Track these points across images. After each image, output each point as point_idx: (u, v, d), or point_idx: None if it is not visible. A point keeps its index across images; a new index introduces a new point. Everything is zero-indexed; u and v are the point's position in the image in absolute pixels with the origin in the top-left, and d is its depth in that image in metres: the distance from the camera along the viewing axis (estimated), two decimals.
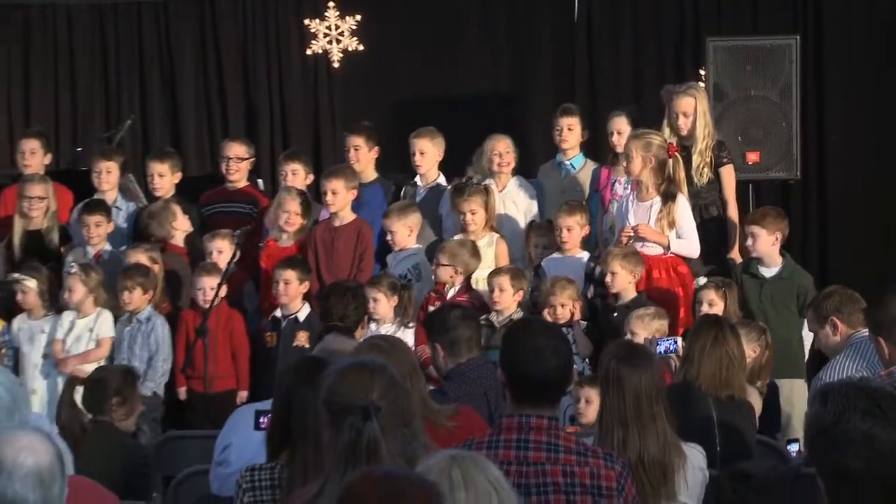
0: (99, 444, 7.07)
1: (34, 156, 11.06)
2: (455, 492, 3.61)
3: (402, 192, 10.78)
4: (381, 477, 3.15)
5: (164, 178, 10.84)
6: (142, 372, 9.43)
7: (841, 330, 7.77)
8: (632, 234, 9.41)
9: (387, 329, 9.21)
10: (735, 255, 9.93)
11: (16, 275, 9.86)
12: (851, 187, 12.48)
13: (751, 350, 7.97)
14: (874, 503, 3.58)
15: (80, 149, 12.60)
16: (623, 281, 9.16)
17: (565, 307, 9.16)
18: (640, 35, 12.98)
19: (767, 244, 9.41)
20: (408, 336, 9.16)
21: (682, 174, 9.62)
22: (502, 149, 10.53)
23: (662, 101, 10.40)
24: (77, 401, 7.44)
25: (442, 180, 10.70)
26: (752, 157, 10.90)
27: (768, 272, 9.46)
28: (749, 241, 9.43)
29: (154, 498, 7.35)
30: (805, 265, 10.12)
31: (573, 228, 9.83)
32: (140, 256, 9.93)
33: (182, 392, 9.74)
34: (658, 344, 8.15)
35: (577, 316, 9.21)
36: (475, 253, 9.65)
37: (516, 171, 10.68)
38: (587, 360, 8.95)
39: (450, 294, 9.50)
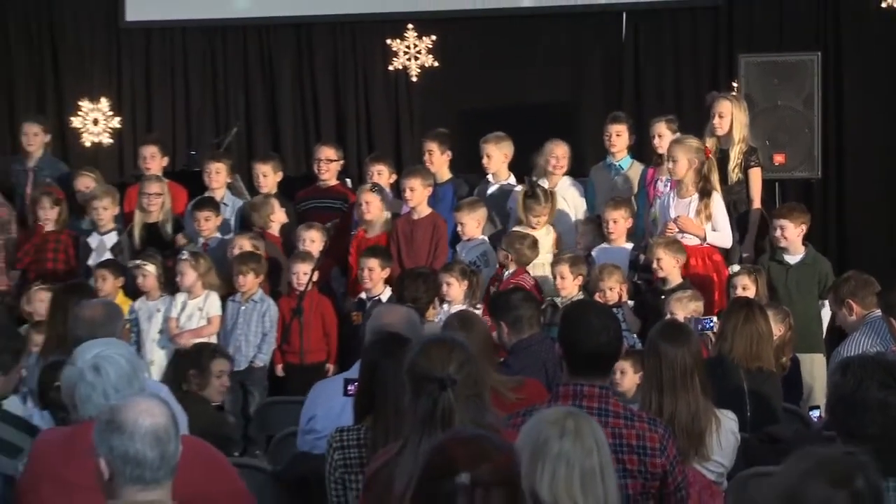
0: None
1: (153, 159, 11.14)
2: (563, 438, 3.62)
3: (476, 190, 10.74)
4: (469, 438, 3.12)
5: (268, 177, 10.88)
6: (256, 346, 9.63)
7: (856, 311, 7.76)
8: (675, 229, 9.39)
9: (457, 310, 9.20)
10: (748, 248, 9.86)
11: (137, 261, 9.92)
12: (866, 185, 12.41)
13: (776, 329, 7.94)
14: (888, 463, 3.51)
15: (193, 152, 12.63)
16: (668, 266, 9.13)
17: (613, 290, 9.14)
18: (679, 52, 12.92)
19: (794, 235, 9.34)
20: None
21: (716, 174, 9.57)
22: (559, 153, 10.52)
23: (707, 104, 10.34)
24: None
25: (512, 180, 10.67)
26: (779, 158, 10.87)
27: (793, 259, 9.39)
28: (777, 232, 9.36)
29: (257, 454, 7.37)
30: (825, 253, 10.05)
31: (618, 221, 9.86)
32: (244, 243, 9.97)
33: (279, 369, 9.76)
34: (696, 322, 8.14)
35: (625, 297, 9.18)
36: (533, 246, 9.63)
37: (570, 171, 10.64)
38: (636, 335, 8.92)
39: (505, 276, 9.49)
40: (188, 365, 7.65)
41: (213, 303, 9.75)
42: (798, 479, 3.09)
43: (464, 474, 2.91)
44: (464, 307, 9.17)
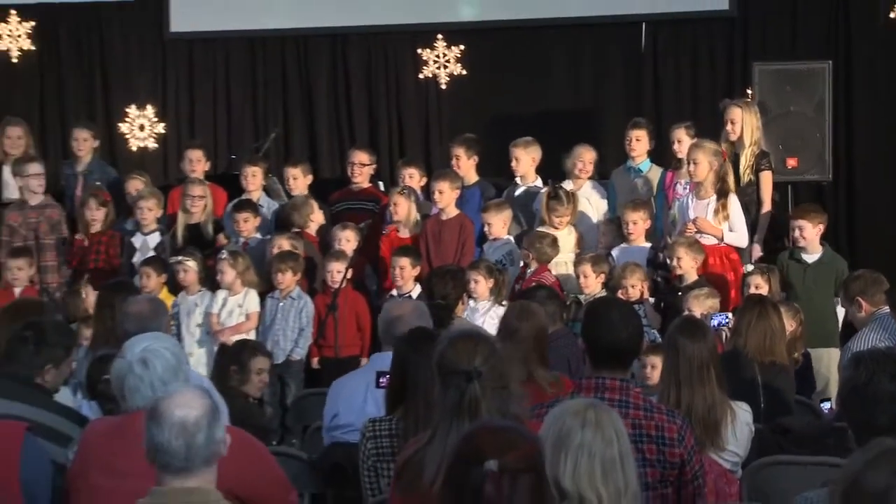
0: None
1: (197, 163, 11.18)
2: (585, 429, 3.61)
3: (505, 193, 10.75)
4: (496, 428, 3.13)
5: (298, 180, 10.91)
6: (293, 340, 9.66)
7: (865, 308, 7.76)
8: (694, 230, 9.41)
9: (483, 306, 9.23)
10: (756, 247, 9.82)
11: (179, 257, 9.96)
12: (874, 187, 12.36)
13: (788, 325, 7.93)
14: None
15: (233, 157, 12.67)
16: (687, 265, 9.15)
17: (635, 287, 9.14)
18: (697, 60, 12.88)
19: (811, 234, 9.33)
20: (501, 312, 9.16)
21: (731, 176, 9.62)
22: (587, 158, 10.57)
23: (720, 111, 10.31)
24: None
25: (538, 182, 10.69)
26: (791, 162, 10.86)
27: (810, 258, 9.37)
28: (796, 233, 9.35)
29: (294, 443, 7.36)
30: (835, 250, 10.00)
31: (638, 222, 9.86)
32: (283, 242, 9.99)
33: (315, 362, 9.79)
34: (712, 318, 8.12)
35: (646, 295, 9.17)
36: (553, 244, 9.64)
37: (592, 175, 10.65)
38: (657, 330, 8.91)
39: (527, 274, 9.52)
40: (230, 361, 7.67)
41: (251, 300, 9.77)
42: (861, 467, 3.09)
43: (491, 462, 2.91)
44: (489, 304, 9.22)
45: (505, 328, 6.16)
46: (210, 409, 4.04)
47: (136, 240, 10.57)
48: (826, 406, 7.71)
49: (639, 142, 10.62)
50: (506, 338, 5.84)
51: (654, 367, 7.10)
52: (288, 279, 9.68)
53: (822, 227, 9.41)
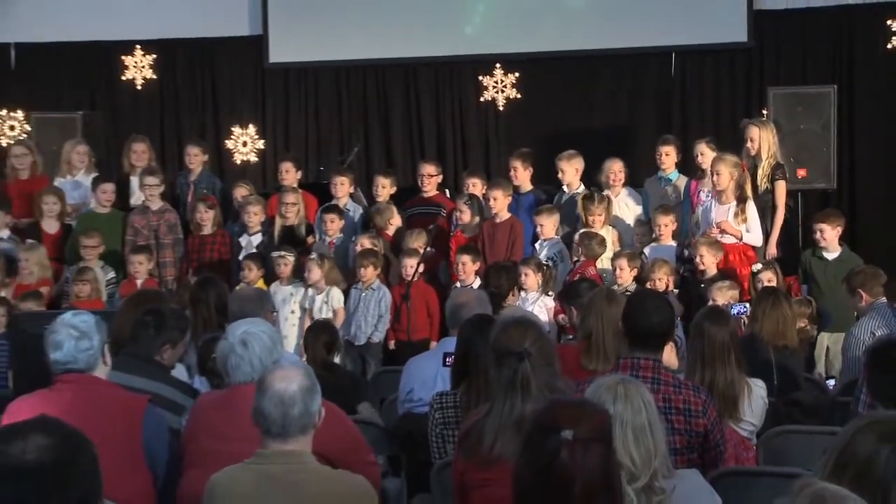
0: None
1: (289, 173, 11.21)
2: (617, 402, 3.60)
3: (554, 199, 10.73)
4: (571, 402, 3.12)
5: (385, 188, 10.90)
6: (373, 325, 9.70)
7: (865, 298, 7.74)
8: (717, 231, 9.41)
9: (532, 296, 9.25)
10: (772, 247, 9.75)
11: (280, 252, 10.03)
12: (873, 194, 12.25)
13: (801, 315, 7.92)
14: None
15: (321, 168, 12.71)
16: (709, 261, 9.17)
17: (662, 280, 9.11)
18: (719, 85, 12.82)
19: (831, 235, 9.38)
20: (549, 302, 9.19)
21: (749, 185, 9.60)
22: (616, 169, 10.54)
23: (741, 129, 10.27)
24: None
25: (582, 189, 10.62)
26: (801, 172, 10.82)
27: (830, 256, 9.40)
28: (817, 234, 9.42)
29: (373, 412, 7.36)
30: None
31: (667, 225, 9.91)
32: (365, 241, 10.06)
33: (391, 344, 9.79)
34: (733, 308, 8.08)
35: (671, 286, 9.13)
36: (601, 243, 9.66)
37: (627, 183, 10.63)
38: (679, 318, 8.87)
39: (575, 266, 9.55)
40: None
41: (336, 297, 9.82)
42: (852, 434, 3.06)
43: (567, 431, 2.88)
44: (538, 295, 9.23)
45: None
46: (307, 386, 4.08)
47: (243, 239, 10.64)
48: (831, 383, 7.66)
49: (668, 156, 10.63)
50: None
51: (670, 350, 7.03)
52: (369, 273, 9.72)
53: (839, 229, 9.46)
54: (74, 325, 4.86)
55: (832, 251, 9.37)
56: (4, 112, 13.33)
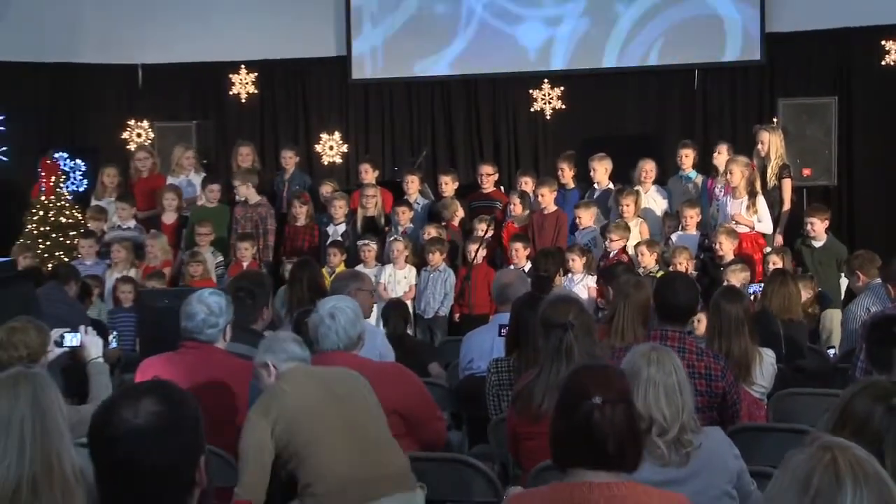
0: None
1: (368, 173, 11.21)
2: (650, 366, 3.60)
3: (587, 194, 10.68)
4: (596, 369, 3.11)
5: (448, 185, 10.87)
6: (440, 301, 9.74)
7: (862, 279, 7.67)
8: (733, 222, 9.37)
9: (577, 277, 9.22)
10: (778, 235, 9.67)
11: (364, 240, 10.10)
12: (868, 190, 12.06)
13: (805, 292, 7.86)
14: None
15: (395, 168, 12.73)
16: (727, 248, 9.10)
17: (682, 264, 9.04)
18: (735, 96, 12.66)
19: (819, 227, 9.23)
20: (591, 281, 9.16)
21: (759, 182, 9.56)
22: (648, 168, 10.50)
23: (753, 134, 10.20)
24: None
25: (611, 186, 10.64)
26: (806, 171, 10.74)
27: (818, 244, 9.25)
28: (808, 226, 9.27)
29: (441, 372, 7.33)
30: (840, 239, 9.86)
31: (692, 217, 9.82)
32: (432, 230, 10.09)
33: (456, 317, 9.80)
34: (749, 287, 8.06)
35: (690, 269, 9.04)
36: (626, 227, 9.60)
37: (655, 181, 10.59)
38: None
39: (610, 253, 9.47)
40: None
41: (412, 274, 9.86)
42: (851, 396, 3.04)
43: (597, 397, 2.90)
44: (582, 275, 9.20)
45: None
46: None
47: (330, 229, 10.68)
48: (832, 352, 7.57)
49: (687, 157, 10.59)
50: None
51: (700, 322, 7.01)
52: (437, 257, 9.74)
53: (827, 221, 9.32)
54: (208, 304, 4.91)
55: (819, 240, 9.24)
56: (133, 122, 13.48)
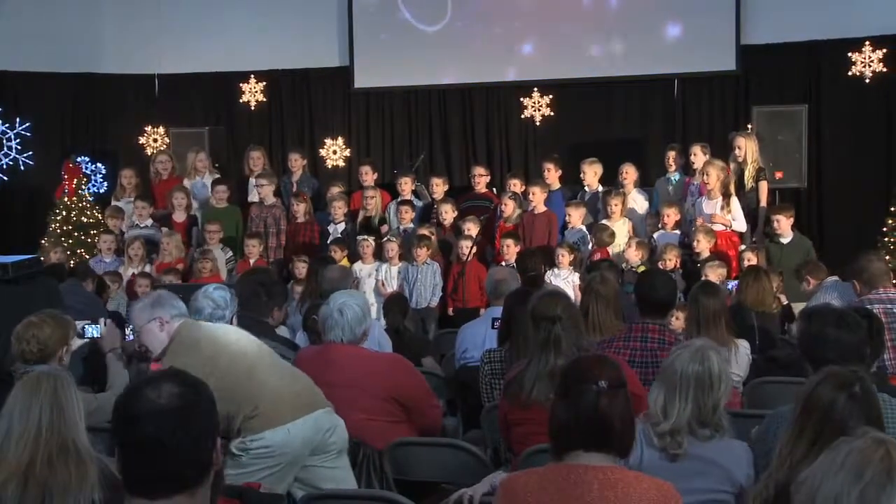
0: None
1: (368, 175, 11.19)
2: (693, 363, 3.59)
3: (577, 196, 10.69)
4: (594, 359, 3.13)
5: (439, 187, 10.91)
6: (431, 292, 9.69)
7: (812, 283, 7.70)
8: (709, 222, 9.37)
9: (565, 273, 9.20)
10: (759, 234, 9.68)
11: (364, 236, 10.07)
12: (836, 192, 12.04)
13: (776, 286, 7.86)
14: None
15: (395, 171, 12.71)
16: (703, 246, 9.12)
17: (671, 261, 9.05)
18: (713, 104, 12.66)
19: (785, 224, 9.24)
20: (576, 278, 9.15)
21: (733, 184, 9.57)
22: (628, 171, 10.50)
23: (730, 139, 10.23)
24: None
25: (600, 188, 10.62)
26: (779, 174, 10.72)
27: (785, 240, 9.27)
28: (775, 224, 9.26)
29: (435, 365, 7.34)
30: (810, 237, 9.90)
31: (670, 215, 9.84)
32: (423, 230, 10.06)
33: (450, 310, 9.79)
34: (728, 284, 8.08)
35: (678, 266, 9.06)
36: (612, 235, 9.63)
37: (639, 183, 10.57)
38: (682, 292, 8.83)
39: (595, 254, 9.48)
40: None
41: (404, 270, 9.85)
42: (814, 385, 3.06)
43: (602, 382, 2.94)
44: (569, 272, 9.19)
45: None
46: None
47: (331, 228, 10.69)
48: None
49: (674, 160, 10.59)
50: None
51: (678, 319, 7.03)
52: (423, 253, 9.70)
53: (791, 218, 9.34)
54: (213, 298, 4.92)
55: (786, 237, 9.24)
56: (150, 128, 13.48)
